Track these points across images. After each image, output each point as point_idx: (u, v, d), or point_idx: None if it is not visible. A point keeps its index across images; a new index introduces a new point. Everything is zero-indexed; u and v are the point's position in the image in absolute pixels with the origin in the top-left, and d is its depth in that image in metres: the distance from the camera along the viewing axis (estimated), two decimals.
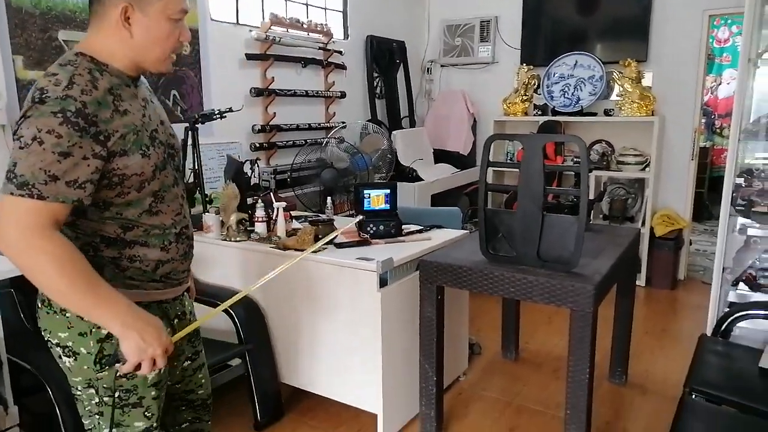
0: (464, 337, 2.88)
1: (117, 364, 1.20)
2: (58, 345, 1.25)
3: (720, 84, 6.82)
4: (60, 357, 1.26)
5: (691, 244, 4.65)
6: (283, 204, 2.58)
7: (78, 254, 1.13)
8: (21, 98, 2.46)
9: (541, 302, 1.94)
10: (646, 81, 4.24)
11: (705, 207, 6.19)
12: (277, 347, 2.53)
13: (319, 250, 2.30)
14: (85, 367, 1.23)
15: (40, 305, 1.27)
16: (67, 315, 1.21)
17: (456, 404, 2.63)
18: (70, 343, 1.23)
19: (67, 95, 1.10)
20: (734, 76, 5.40)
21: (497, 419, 2.52)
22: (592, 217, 4.34)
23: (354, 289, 2.22)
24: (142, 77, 1.32)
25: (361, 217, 2.14)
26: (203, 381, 1.55)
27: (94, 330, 1.21)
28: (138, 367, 1.18)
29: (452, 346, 2.66)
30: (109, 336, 1.21)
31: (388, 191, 2.64)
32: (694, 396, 1.86)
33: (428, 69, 5.26)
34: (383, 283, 2.20)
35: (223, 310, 2.37)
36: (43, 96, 1.09)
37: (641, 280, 4.22)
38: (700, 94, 4.22)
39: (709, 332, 2.52)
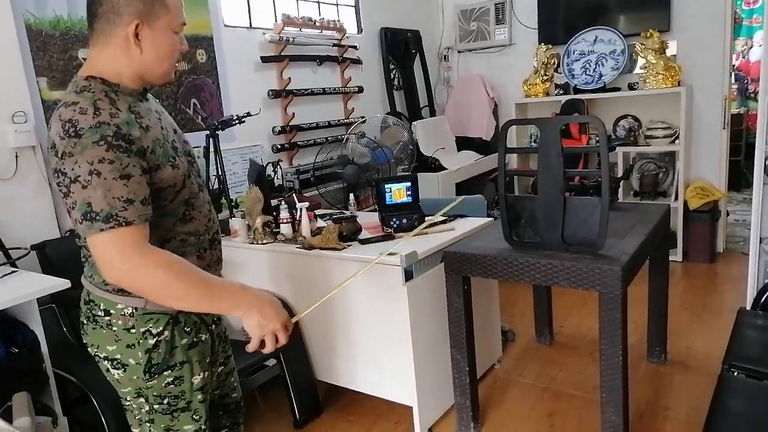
0: (496, 325, 2.86)
1: (166, 372, 1.26)
2: (106, 359, 1.29)
3: (752, 47, 6.55)
4: (108, 370, 1.30)
5: (728, 215, 4.51)
6: (306, 204, 2.60)
7: (179, 258, 1.18)
8: (48, 119, 2.54)
9: (568, 287, 1.92)
10: (670, 51, 4.11)
11: (743, 175, 5.98)
12: (310, 346, 2.57)
13: (342, 248, 2.32)
14: (135, 377, 1.27)
15: (85, 322, 1.31)
16: (114, 329, 1.25)
17: (492, 392, 2.63)
18: (118, 356, 1.27)
19: (100, 122, 1.11)
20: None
21: (534, 405, 2.51)
22: (621, 195, 4.25)
23: (380, 284, 2.23)
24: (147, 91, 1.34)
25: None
26: (235, 384, 1.59)
27: (141, 341, 1.25)
28: (262, 345, 1.25)
29: (484, 335, 2.65)
30: (156, 346, 1.25)
31: (409, 184, 2.64)
32: (733, 372, 1.82)
33: (445, 56, 5.21)
34: (409, 276, 2.20)
35: None
36: (78, 129, 1.10)
37: (677, 255, 4.11)
38: (729, 59, 4.06)
39: (748, 306, 2.44)
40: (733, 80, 5.02)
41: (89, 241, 1.12)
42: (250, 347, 1.27)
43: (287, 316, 1.28)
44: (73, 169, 1.10)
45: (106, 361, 1.29)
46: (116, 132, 1.12)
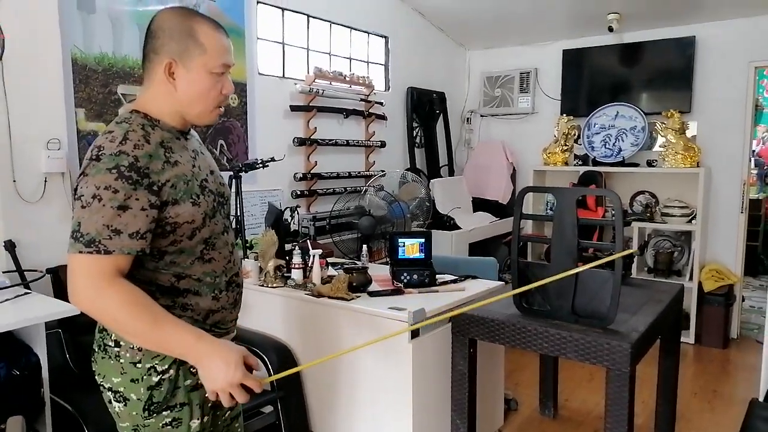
0: (500, 391, 2.80)
1: (165, 412, 1.25)
2: (110, 390, 1.29)
3: None
4: (110, 402, 1.30)
5: (743, 300, 4.44)
6: (319, 251, 2.62)
7: (143, 296, 1.19)
8: (80, 148, 2.63)
9: (576, 359, 1.89)
10: (691, 131, 4.17)
11: (759, 261, 5.92)
12: (309, 395, 2.53)
13: (350, 298, 2.32)
14: (134, 413, 1.26)
15: (96, 350, 1.32)
16: (121, 361, 1.26)
17: None
18: (121, 389, 1.27)
19: (120, 151, 1.16)
20: None
21: None
22: (635, 271, 4.21)
23: (386, 340, 2.21)
24: (192, 131, 1.39)
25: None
26: (239, 429, 1.56)
27: (145, 377, 1.25)
28: (218, 398, 1.20)
29: (486, 401, 2.59)
30: (159, 384, 1.25)
31: (423, 240, 2.66)
32: None
33: (468, 119, 5.33)
34: (415, 334, 2.19)
35: (257, 355, 2.40)
36: (100, 153, 1.17)
37: (690, 338, 4.03)
38: (749, 144, 4.11)
39: (761, 397, 2.37)
40: (752, 165, 5.06)
41: (68, 258, 1.16)
42: (209, 396, 1.22)
43: (240, 374, 1.19)
44: (81, 188, 1.17)
45: (110, 392, 1.29)
46: (131, 164, 1.16)
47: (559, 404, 3.05)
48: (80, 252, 1.14)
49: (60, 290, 2.32)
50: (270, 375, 2.40)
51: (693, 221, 4.05)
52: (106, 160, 1.15)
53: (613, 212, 1.84)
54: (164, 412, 1.26)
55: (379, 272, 2.72)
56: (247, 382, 1.20)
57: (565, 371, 3.28)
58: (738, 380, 3.54)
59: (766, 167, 6.54)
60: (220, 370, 1.18)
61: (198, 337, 1.20)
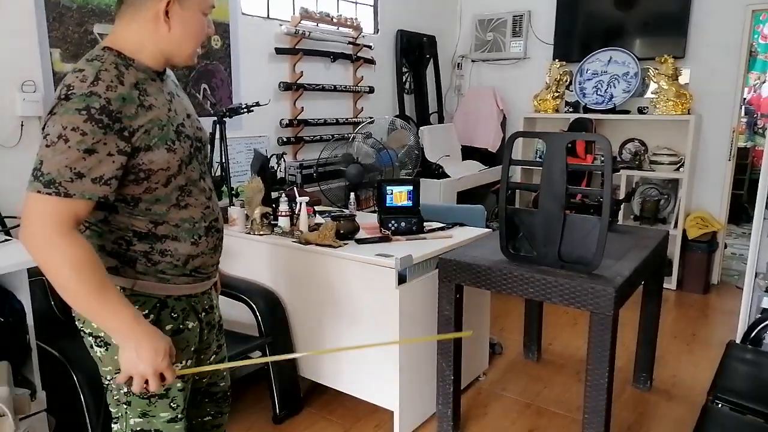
0: (485, 336, 2.85)
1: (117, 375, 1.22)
2: (90, 335, 1.28)
3: (765, 82, 6.56)
4: (92, 347, 1.30)
5: (726, 247, 4.51)
6: (306, 199, 2.59)
7: (94, 258, 1.14)
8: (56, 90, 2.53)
9: (561, 304, 1.91)
10: (684, 78, 4.11)
11: (744, 209, 5.98)
12: (297, 341, 2.56)
13: (338, 245, 2.32)
14: (116, 357, 1.25)
15: None
16: None
17: (474, 404, 2.62)
18: (102, 334, 1.26)
19: (92, 92, 1.11)
20: None
21: (515, 420, 2.50)
22: (622, 218, 4.24)
23: (373, 285, 2.23)
24: (168, 71, 1.33)
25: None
26: (224, 374, 1.58)
27: None
28: (130, 381, 1.19)
29: (472, 346, 2.64)
30: None
31: (411, 188, 2.64)
32: (717, 404, 1.81)
33: (459, 64, 5.21)
34: (402, 280, 2.20)
35: (244, 302, 2.41)
36: (69, 93, 1.11)
37: (672, 284, 4.11)
38: (741, 92, 4.07)
39: (738, 339, 2.43)
40: (742, 113, 5.03)
41: (25, 195, 1.11)
42: (119, 378, 1.20)
43: (165, 364, 1.18)
44: (48, 126, 1.11)
45: (91, 338, 1.28)
46: (103, 106, 1.11)
47: (543, 348, 3.12)
48: (38, 192, 1.09)
49: None
50: (258, 323, 2.42)
51: (681, 169, 4.06)
52: (76, 101, 1.10)
53: (603, 158, 1.82)
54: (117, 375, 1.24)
55: (367, 221, 2.71)
56: (167, 372, 1.19)
57: (549, 317, 3.35)
58: (717, 324, 3.64)
59: (756, 115, 6.52)
60: (148, 355, 1.16)
61: (136, 317, 1.17)
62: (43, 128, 1.14)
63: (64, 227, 1.10)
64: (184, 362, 1.33)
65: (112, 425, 1.38)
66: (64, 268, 1.10)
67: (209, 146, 1.69)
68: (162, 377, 1.20)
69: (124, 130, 1.14)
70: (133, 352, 1.16)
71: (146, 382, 1.18)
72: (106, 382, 1.34)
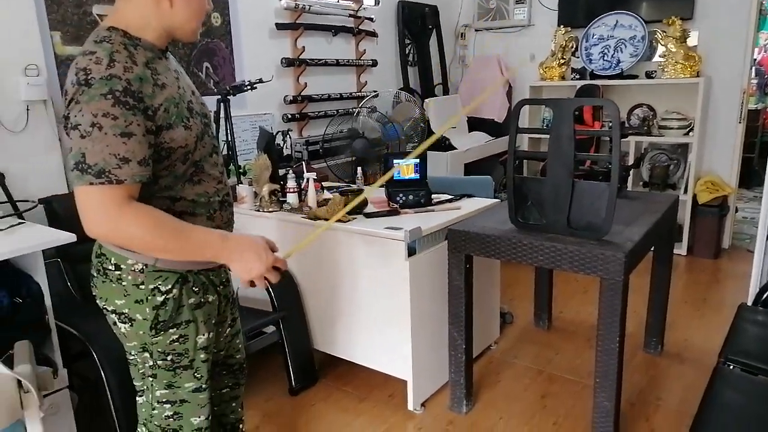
0: (495, 305, 2.87)
1: (171, 330, 1.29)
2: (114, 312, 1.30)
3: None
4: (115, 323, 1.32)
5: (737, 211, 4.48)
6: (314, 175, 2.60)
7: (161, 213, 1.19)
8: (60, 74, 2.53)
9: (571, 271, 1.92)
10: (692, 40, 4.03)
11: (755, 173, 5.92)
12: (309, 315, 2.59)
13: (347, 220, 2.33)
14: (141, 332, 1.29)
15: (95, 274, 1.32)
16: (123, 284, 1.26)
17: (487, 372, 2.65)
18: (126, 310, 1.28)
19: (111, 75, 1.11)
20: None
21: (528, 386, 2.53)
22: (631, 184, 4.21)
23: (383, 258, 2.24)
24: (168, 49, 1.33)
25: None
26: (240, 346, 1.61)
27: (149, 297, 1.26)
28: (253, 285, 1.28)
29: (483, 315, 2.67)
30: (164, 303, 1.27)
31: (418, 161, 2.63)
32: (729, 365, 1.82)
33: (462, 34, 5.13)
34: (411, 252, 2.21)
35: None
36: (88, 78, 1.11)
37: (682, 249, 4.10)
38: (751, 52, 3.98)
39: (750, 302, 2.43)
40: (753, 74, 4.93)
41: (76, 190, 1.14)
42: (242, 285, 1.30)
43: (272, 257, 1.28)
44: (76, 116, 1.11)
45: (114, 315, 1.31)
46: (126, 88, 1.11)
47: (553, 316, 3.14)
48: (91, 184, 1.11)
49: (54, 220, 2.31)
50: (272, 298, 2.45)
51: (690, 133, 4.01)
52: (98, 85, 1.10)
53: (611, 124, 1.80)
54: (170, 330, 1.29)
55: (375, 195, 2.71)
56: (277, 263, 1.29)
57: (559, 284, 3.36)
58: (727, 288, 3.64)
59: (766, 76, 6.40)
60: (254, 260, 1.25)
61: (223, 237, 1.25)
62: (66, 117, 1.14)
63: (124, 206, 1.14)
64: (206, 334, 1.35)
65: (137, 398, 1.42)
66: (144, 232, 1.15)
67: (213, 123, 1.70)
68: (275, 269, 1.29)
69: (148, 110, 1.16)
70: (240, 263, 1.24)
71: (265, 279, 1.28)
72: (131, 357, 1.37)
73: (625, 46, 4.18)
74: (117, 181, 1.11)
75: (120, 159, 1.11)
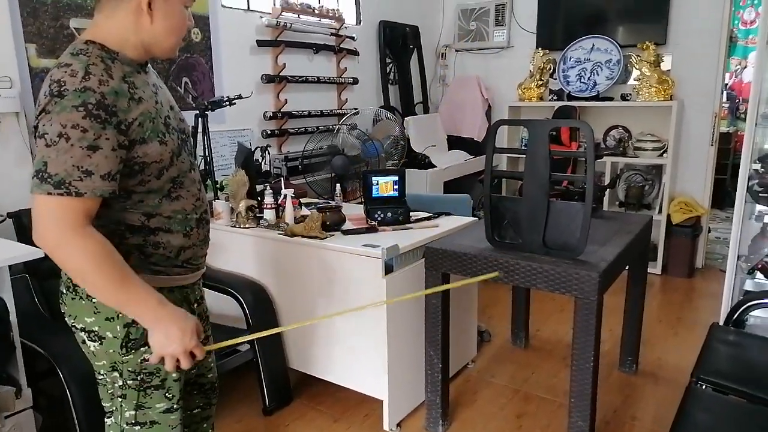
0: (473, 324, 2.87)
1: (143, 348, 1.24)
2: (83, 330, 1.27)
3: (746, 67, 6.62)
4: (84, 342, 1.29)
5: (710, 231, 4.56)
6: (291, 191, 2.59)
7: (112, 250, 1.15)
8: (34, 87, 2.49)
9: (546, 290, 1.93)
10: (665, 65, 4.14)
11: (727, 194, 6.05)
12: (285, 333, 2.56)
13: (324, 237, 2.32)
14: (111, 350, 1.26)
15: (65, 291, 1.29)
16: (93, 300, 1.23)
17: (463, 391, 2.64)
18: (96, 328, 1.25)
19: (86, 87, 1.09)
20: None
21: (504, 406, 2.52)
22: (607, 205, 4.28)
23: (360, 275, 2.23)
24: (148, 64, 1.32)
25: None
26: (212, 365, 1.58)
27: (120, 315, 1.23)
28: (162, 361, 1.23)
29: (460, 334, 2.66)
30: (135, 321, 1.24)
31: (397, 178, 2.64)
32: (701, 385, 1.84)
33: (443, 54, 5.20)
34: (389, 269, 2.20)
35: (231, 296, 2.40)
36: (62, 89, 1.09)
37: (657, 268, 4.16)
38: (722, 77, 4.10)
39: (722, 321, 2.47)
40: (724, 98, 5.07)
41: (34, 198, 1.11)
42: (151, 360, 1.24)
43: (194, 343, 1.22)
44: (44, 125, 1.10)
45: (83, 333, 1.27)
46: (99, 101, 1.10)
47: (531, 335, 3.15)
48: (49, 194, 1.08)
49: (23, 234, 2.26)
50: (246, 315, 2.42)
51: (664, 155, 4.09)
52: (71, 97, 1.08)
53: (586, 145, 1.83)
54: (142, 348, 1.26)
55: (354, 212, 2.70)
56: (196, 350, 1.23)
57: (536, 304, 3.37)
58: (701, 307, 3.69)
59: (737, 101, 6.59)
60: (176, 338, 1.20)
61: (159, 301, 1.20)
62: (36, 127, 1.12)
63: (78, 225, 1.11)
64: None
65: (106, 420, 1.37)
66: (86, 264, 1.12)
67: (192, 139, 1.68)
68: (192, 355, 1.23)
69: (121, 124, 1.14)
70: (162, 334, 1.19)
71: (177, 361, 1.22)
72: (100, 377, 1.33)
73: (602, 69, 4.28)
74: (76, 193, 1.09)
75: (82, 171, 1.09)
